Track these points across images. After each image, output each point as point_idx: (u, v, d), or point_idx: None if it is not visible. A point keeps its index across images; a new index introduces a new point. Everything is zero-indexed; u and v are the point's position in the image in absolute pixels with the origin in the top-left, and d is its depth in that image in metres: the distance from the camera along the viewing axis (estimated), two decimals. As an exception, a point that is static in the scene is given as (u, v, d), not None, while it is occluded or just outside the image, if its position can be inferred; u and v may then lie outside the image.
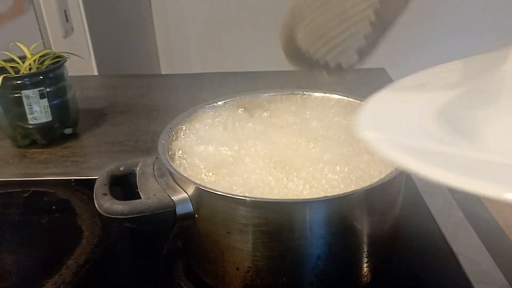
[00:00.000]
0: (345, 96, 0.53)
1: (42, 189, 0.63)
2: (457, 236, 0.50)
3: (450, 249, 0.48)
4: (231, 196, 0.37)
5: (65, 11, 1.25)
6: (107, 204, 0.40)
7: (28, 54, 0.72)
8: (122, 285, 0.48)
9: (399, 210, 0.44)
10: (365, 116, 0.32)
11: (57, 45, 1.19)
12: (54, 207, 0.59)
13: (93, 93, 0.99)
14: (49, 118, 0.73)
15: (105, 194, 0.41)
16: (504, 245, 0.49)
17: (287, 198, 0.38)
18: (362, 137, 0.29)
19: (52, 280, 0.46)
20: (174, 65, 2.23)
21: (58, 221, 0.57)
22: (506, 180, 0.21)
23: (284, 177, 0.40)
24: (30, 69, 0.71)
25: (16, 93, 0.69)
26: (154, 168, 0.44)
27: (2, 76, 0.67)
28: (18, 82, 0.69)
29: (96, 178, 0.44)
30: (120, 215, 0.39)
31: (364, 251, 0.41)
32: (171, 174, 0.42)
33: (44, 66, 0.72)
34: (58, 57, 0.75)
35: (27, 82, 0.69)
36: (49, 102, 0.72)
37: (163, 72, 2.20)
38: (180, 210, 0.40)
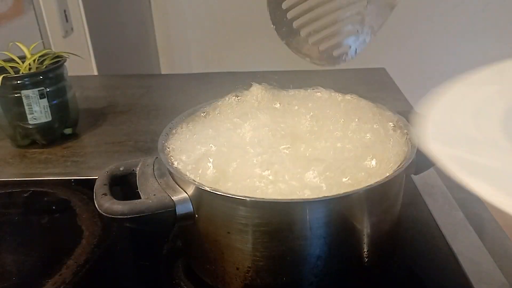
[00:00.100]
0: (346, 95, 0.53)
1: (42, 189, 0.63)
2: (457, 236, 0.50)
3: (450, 249, 0.48)
4: (231, 196, 0.37)
5: (65, 11, 1.25)
6: (107, 204, 0.40)
7: (28, 54, 0.72)
8: (122, 285, 0.48)
9: (399, 210, 0.44)
10: (431, 127, 0.31)
11: (57, 45, 1.19)
12: (54, 207, 0.59)
13: (93, 93, 0.99)
14: (49, 118, 0.73)
15: (105, 194, 0.41)
16: (504, 245, 0.49)
17: (287, 198, 0.38)
18: (431, 151, 0.28)
19: (52, 280, 0.46)
20: (174, 65, 2.22)
21: (58, 221, 0.57)
22: None
23: (290, 181, 0.39)
24: (30, 69, 0.71)
25: (16, 93, 0.69)
26: (154, 168, 0.44)
27: (2, 76, 0.67)
28: (18, 82, 0.69)
29: (96, 178, 0.44)
30: (120, 215, 0.39)
31: (364, 251, 0.41)
32: (171, 174, 0.42)
33: (44, 66, 0.72)
34: (58, 57, 0.75)
35: (26, 82, 0.69)
36: (49, 102, 0.72)
37: (163, 72, 2.19)
38: (180, 210, 0.40)
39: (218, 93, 0.53)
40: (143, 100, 0.93)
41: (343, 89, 0.53)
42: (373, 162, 0.41)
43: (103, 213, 0.40)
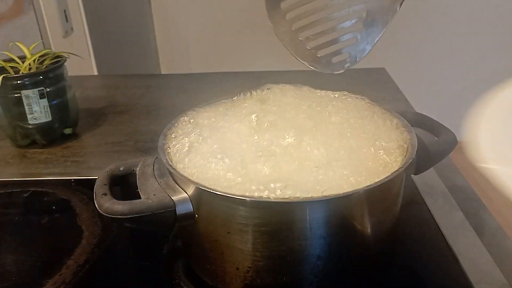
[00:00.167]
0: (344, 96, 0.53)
1: (42, 189, 0.63)
2: (457, 236, 0.50)
3: (450, 249, 0.48)
4: (231, 196, 0.37)
5: (64, 11, 1.25)
6: (107, 204, 0.40)
7: (27, 54, 0.72)
8: (122, 285, 0.48)
9: (399, 210, 0.44)
10: (484, 144, 0.30)
11: (57, 45, 1.19)
12: (54, 207, 0.59)
13: (93, 93, 0.99)
14: (49, 118, 0.73)
15: (105, 194, 0.41)
16: (504, 245, 0.49)
17: (287, 198, 0.38)
18: (486, 168, 0.28)
19: (52, 280, 0.46)
20: (174, 65, 2.23)
21: (58, 221, 0.57)
22: None
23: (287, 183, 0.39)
24: (29, 69, 0.71)
25: (16, 93, 0.69)
26: (154, 168, 0.44)
27: (2, 76, 0.67)
28: (18, 82, 0.69)
29: (96, 178, 0.44)
30: (120, 215, 0.39)
31: (364, 251, 0.41)
32: (171, 174, 0.42)
33: (44, 66, 0.72)
34: (57, 57, 0.75)
35: (26, 82, 0.69)
36: (49, 102, 0.72)
37: (163, 72, 2.20)
38: (180, 210, 0.40)
39: (218, 93, 0.54)
40: (143, 100, 0.93)
41: (343, 89, 0.53)
42: (374, 162, 0.41)
43: (103, 213, 0.40)
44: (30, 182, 0.65)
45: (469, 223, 0.52)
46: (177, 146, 0.45)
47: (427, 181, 0.60)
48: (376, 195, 0.39)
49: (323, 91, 0.52)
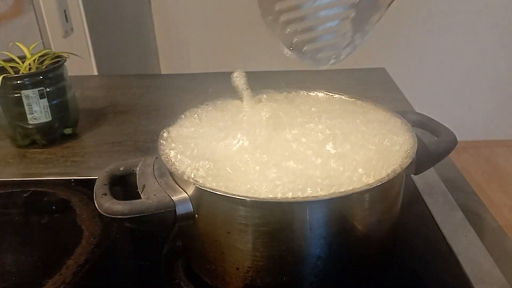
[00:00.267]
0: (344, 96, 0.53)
1: (42, 189, 0.63)
2: (457, 236, 0.50)
3: (450, 249, 0.48)
4: (231, 196, 0.37)
5: (65, 11, 1.25)
6: (107, 204, 0.40)
7: (27, 54, 0.72)
8: (122, 285, 0.48)
9: (399, 210, 0.44)
10: None
11: (57, 45, 1.19)
12: (54, 207, 0.59)
13: (93, 93, 0.99)
14: (49, 118, 0.73)
15: (105, 194, 0.41)
16: (504, 245, 0.49)
17: (287, 197, 0.38)
18: None
19: (52, 280, 0.46)
20: (174, 65, 2.23)
21: (58, 221, 0.57)
22: None
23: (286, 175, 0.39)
24: (29, 69, 0.71)
25: (16, 93, 0.69)
26: (154, 168, 0.44)
27: (2, 76, 0.67)
28: (18, 82, 0.69)
29: (96, 178, 0.44)
30: (120, 215, 0.39)
31: (364, 251, 0.41)
32: (171, 174, 0.42)
33: (44, 66, 0.72)
34: (57, 57, 0.75)
35: (26, 82, 0.69)
36: (49, 102, 0.72)
37: (163, 72, 2.20)
38: (180, 210, 0.40)
39: (218, 93, 0.54)
40: (143, 100, 0.93)
41: (343, 89, 0.53)
42: (375, 162, 0.41)
43: (103, 213, 0.40)
44: (30, 182, 0.65)
45: (469, 223, 0.52)
46: (177, 145, 0.45)
47: (427, 181, 0.60)
48: (376, 195, 0.39)
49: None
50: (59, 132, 0.76)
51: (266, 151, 0.42)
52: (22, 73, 0.70)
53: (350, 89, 0.53)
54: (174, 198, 0.40)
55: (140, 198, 0.41)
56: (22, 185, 0.64)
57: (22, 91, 0.69)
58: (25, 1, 1.10)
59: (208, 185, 0.38)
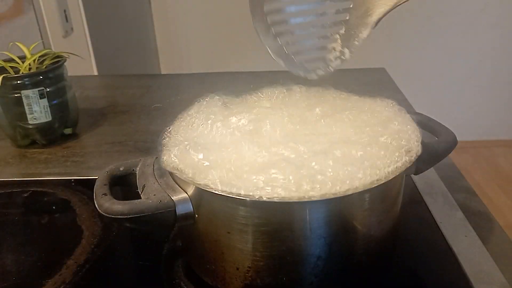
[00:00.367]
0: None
1: (42, 189, 0.63)
2: (457, 236, 0.50)
3: (450, 249, 0.48)
4: (231, 196, 0.37)
5: (65, 11, 1.25)
6: (107, 204, 0.40)
7: (27, 54, 0.72)
8: (122, 285, 0.48)
9: (399, 210, 0.44)
10: None
11: (57, 45, 1.19)
12: (54, 207, 0.59)
13: (93, 93, 0.99)
14: (49, 118, 0.73)
15: (105, 194, 0.41)
16: (504, 245, 0.49)
17: (288, 197, 0.38)
18: None
19: (52, 280, 0.46)
20: (174, 65, 2.23)
21: (58, 221, 0.57)
22: None
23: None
24: (29, 69, 0.71)
25: (16, 93, 0.69)
26: (154, 168, 0.44)
27: (2, 76, 0.67)
28: (18, 82, 0.69)
29: (96, 178, 0.44)
30: (120, 215, 0.39)
31: (364, 251, 0.41)
32: (171, 174, 0.42)
33: (44, 66, 0.72)
34: (57, 57, 0.75)
35: (26, 82, 0.69)
36: (49, 102, 0.72)
37: (163, 72, 2.20)
38: (180, 210, 0.40)
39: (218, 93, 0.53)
40: (143, 100, 0.93)
41: (343, 89, 0.53)
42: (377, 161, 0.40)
43: (103, 213, 0.40)
44: (30, 182, 0.65)
45: (469, 223, 0.52)
46: (178, 145, 0.45)
47: (427, 181, 0.60)
48: (376, 195, 0.39)
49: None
50: (59, 132, 0.76)
51: (266, 150, 0.42)
52: (22, 73, 0.70)
53: (350, 89, 0.52)
54: (174, 198, 0.40)
55: (140, 198, 0.41)
56: (22, 185, 0.64)
57: (22, 91, 0.69)
58: (25, 1, 1.10)
59: (208, 185, 0.38)
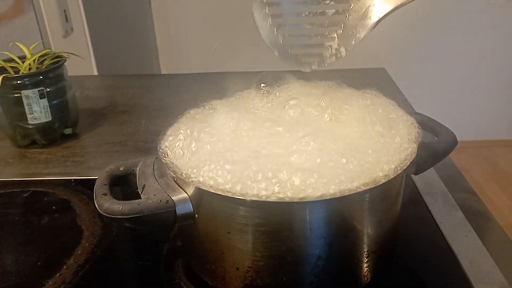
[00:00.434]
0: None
1: (42, 189, 0.63)
2: (457, 236, 0.50)
3: (450, 249, 0.48)
4: (231, 196, 0.37)
5: (65, 11, 1.25)
6: (107, 204, 0.40)
7: (27, 54, 0.72)
8: (122, 285, 0.48)
9: (399, 210, 0.44)
10: None
11: (57, 45, 1.19)
12: (54, 207, 0.59)
13: (93, 93, 0.99)
14: (49, 118, 0.73)
15: (105, 194, 0.41)
16: (504, 245, 0.49)
17: (288, 197, 0.38)
18: None
19: (52, 280, 0.46)
20: (174, 65, 2.23)
21: (58, 221, 0.57)
22: None
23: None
24: (29, 69, 0.71)
25: (16, 93, 0.69)
26: (154, 168, 0.44)
27: (2, 76, 0.67)
28: (18, 82, 0.69)
29: (96, 178, 0.44)
30: (120, 215, 0.39)
31: (364, 251, 0.41)
32: (170, 174, 0.42)
33: (44, 66, 0.72)
34: (57, 57, 0.75)
35: (26, 82, 0.69)
36: (49, 102, 0.72)
37: (163, 72, 2.20)
38: (180, 210, 0.40)
39: (218, 93, 0.53)
40: (143, 100, 0.93)
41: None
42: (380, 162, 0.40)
43: (103, 213, 0.40)
44: (30, 182, 0.65)
45: (469, 223, 0.52)
46: (178, 145, 0.45)
47: (427, 181, 0.60)
48: (376, 195, 0.39)
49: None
50: (59, 132, 0.76)
51: (266, 150, 0.42)
52: (22, 73, 0.70)
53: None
54: (174, 198, 0.40)
55: (140, 198, 0.41)
56: (22, 185, 0.64)
57: (22, 91, 0.69)
58: (25, 1, 1.10)
59: (208, 185, 0.38)
